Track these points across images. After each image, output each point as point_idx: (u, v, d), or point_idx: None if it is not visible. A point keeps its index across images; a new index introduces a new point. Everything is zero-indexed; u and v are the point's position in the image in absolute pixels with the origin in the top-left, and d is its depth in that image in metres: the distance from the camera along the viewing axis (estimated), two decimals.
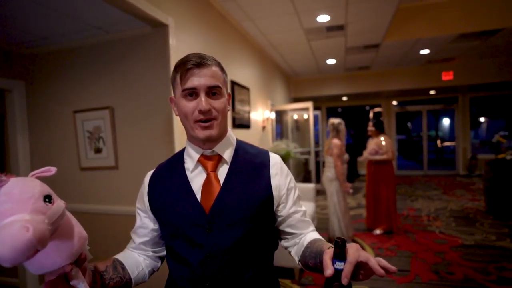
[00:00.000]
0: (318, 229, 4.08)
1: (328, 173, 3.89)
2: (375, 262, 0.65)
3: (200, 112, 0.85)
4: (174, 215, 0.90)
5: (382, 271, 0.64)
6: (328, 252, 0.69)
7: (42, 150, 2.90)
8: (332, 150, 3.82)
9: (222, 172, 0.92)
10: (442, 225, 4.54)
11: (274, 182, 0.93)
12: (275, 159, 0.98)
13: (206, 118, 0.86)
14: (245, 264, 0.88)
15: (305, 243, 0.92)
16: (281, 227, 0.98)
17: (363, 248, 3.52)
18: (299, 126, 8.10)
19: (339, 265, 0.66)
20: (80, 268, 0.67)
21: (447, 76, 7.43)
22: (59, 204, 0.61)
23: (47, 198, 0.58)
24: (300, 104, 6.54)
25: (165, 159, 2.71)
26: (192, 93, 0.86)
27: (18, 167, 2.88)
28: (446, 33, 4.97)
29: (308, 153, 6.72)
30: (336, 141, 3.83)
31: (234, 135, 1.01)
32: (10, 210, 0.52)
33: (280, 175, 0.95)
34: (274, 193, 0.92)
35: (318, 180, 6.71)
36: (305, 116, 7.87)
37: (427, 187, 7.73)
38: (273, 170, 0.95)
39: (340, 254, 0.67)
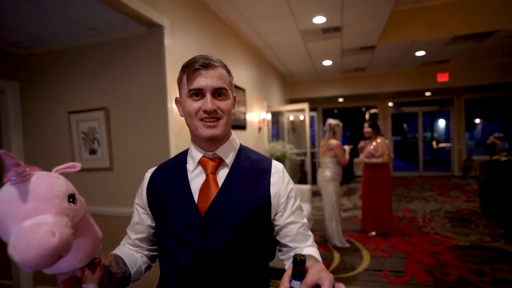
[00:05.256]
0: (314, 230, 4.05)
1: (327, 173, 3.89)
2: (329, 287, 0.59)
3: (205, 112, 0.86)
4: (169, 214, 0.91)
5: None
6: (290, 269, 0.65)
7: (36, 151, 2.88)
8: (335, 151, 3.83)
9: (222, 175, 0.92)
10: (437, 226, 4.56)
11: (273, 189, 0.92)
12: (277, 167, 0.97)
13: (211, 117, 0.87)
14: (236, 272, 0.86)
15: None
16: (278, 238, 0.95)
17: (359, 251, 3.48)
18: (295, 127, 8.11)
19: (295, 284, 0.61)
20: (94, 271, 0.67)
21: (443, 78, 7.48)
22: (82, 202, 0.58)
23: (71, 198, 0.55)
24: (296, 106, 6.55)
25: (160, 160, 2.70)
26: (198, 93, 0.87)
27: None
28: (441, 35, 5.01)
29: (304, 154, 6.73)
30: (335, 141, 3.85)
31: (237, 140, 1.02)
32: (35, 210, 0.49)
33: (281, 184, 0.93)
34: (273, 201, 0.91)
35: (314, 181, 6.73)
36: (301, 118, 7.88)
37: (422, 188, 7.77)
38: (274, 178, 0.94)
39: (298, 273, 0.62)
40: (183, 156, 1.00)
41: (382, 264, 3.33)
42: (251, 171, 0.94)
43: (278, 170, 0.96)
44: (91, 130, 2.62)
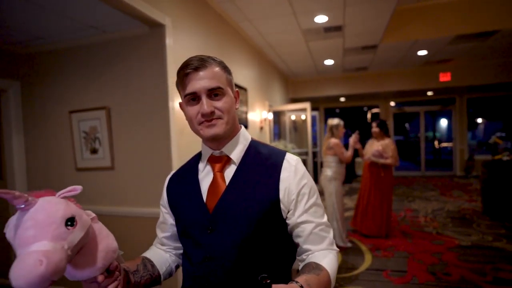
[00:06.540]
0: None
1: (328, 172, 3.87)
2: None
3: (203, 115, 0.85)
4: (182, 213, 0.94)
5: None
6: None
7: (38, 150, 2.88)
8: (334, 150, 3.81)
9: (229, 173, 0.91)
10: (439, 226, 4.55)
11: (283, 185, 0.86)
12: (289, 161, 0.91)
13: (211, 119, 0.85)
14: (247, 272, 0.83)
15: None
16: (293, 237, 0.90)
17: (360, 250, 3.46)
18: (297, 126, 8.10)
19: None
20: (113, 276, 0.73)
21: (445, 77, 7.46)
22: (83, 223, 0.63)
23: (69, 222, 0.60)
24: (298, 105, 6.53)
25: (161, 159, 2.70)
26: (194, 97, 0.85)
27: (13, 167, 2.86)
28: (443, 35, 4.98)
29: (306, 153, 6.72)
30: (334, 140, 3.83)
31: (248, 134, 0.99)
32: (33, 237, 0.55)
33: (292, 178, 0.87)
34: (282, 198, 0.86)
35: (316, 181, 6.72)
36: (303, 117, 7.87)
37: (424, 188, 7.75)
38: (284, 173, 0.88)
39: None
40: (197, 156, 1.01)
41: (384, 264, 3.33)
42: (260, 167, 0.90)
43: (290, 165, 0.90)
44: (92, 130, 2.62)
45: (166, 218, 1.02)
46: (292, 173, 0.88)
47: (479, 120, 17.63)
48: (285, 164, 0.90)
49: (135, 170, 2.54)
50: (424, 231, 4.34)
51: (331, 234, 0.90)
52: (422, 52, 6.15)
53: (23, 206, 0.57)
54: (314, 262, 0.82)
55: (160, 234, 1.04)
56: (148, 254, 1.00)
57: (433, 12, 4.74)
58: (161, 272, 0.96)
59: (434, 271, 3.10)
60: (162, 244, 1.04)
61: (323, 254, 0.86)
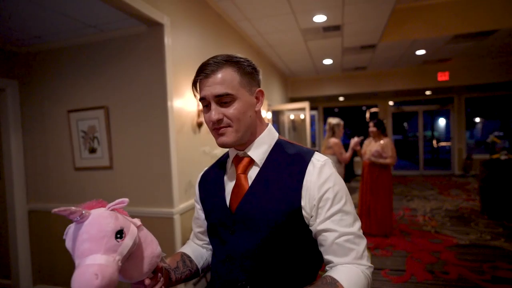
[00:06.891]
0: None
1: None
2: None
3: (212, 123, 0.84)
4: (209, 212, 0.96)
5: None
6: None
7: (36, 150, 2.87)
8: (333, 149, 3.81)
9: (253, 174, 0.88)
10: (438, 225, 4.56)
11: (305, 189, 0.81)
12: (315, 163, 0.83)
13: (219, 127, 0.84)
14: (267, 274, 0.82)
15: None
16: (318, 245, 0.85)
17: None
18: (296, 126, 8.09)
19: None
20: (157, 277, 0.78)
21: (443, 77, 7.47)
22: (131, 234, 0.67)
23: (119, 234, 0.65)
24: (297, 104, 6.54)
25: (160, 159, 2.70)
26: (206, 103, 0.84)
27: (11, 167, 2.85)
28: (442, 34, 4.99)
29: None
30: (334, 139, 3.84)
31: (275, 133, 0.95)
32: (88, 250, 0.61)
33: (314, 182, 0.81)
34: (304, 202, 0.80)
35: None
36: (302, 116, 7.88)
37: (423, 187, 7.77)
38: (308, 176, 0.82)
39: None
40: (227, 155, 1.00)
41: (382, 263, 3.34)
42: (284, 168, 0.85)
43: (314, 167, 0.82)
44: (91, 129, 2.62)
45: (199, 214, 1.03)
46: (315, 176, 0.81)
47: (477, 119, 17.70)
48: (309, 166, 0.83)
49: (134, 169, 2.54)
50: (422, 230, 4.35)
51: (360, 247, 0.81)
52: (421, 52, 6.16)
53: (78, 219, 0.63)
54: (330, 277, 0.75)
55: (195, 229, 1.08)
56: (186, 249, 1.04)
57: (431, 11, 4.74)
58: (199, 266, 1.01)
59: (433, 270, 3.11)
60: (198, 239, 1.08)
61: (346, 269, 0.78)
